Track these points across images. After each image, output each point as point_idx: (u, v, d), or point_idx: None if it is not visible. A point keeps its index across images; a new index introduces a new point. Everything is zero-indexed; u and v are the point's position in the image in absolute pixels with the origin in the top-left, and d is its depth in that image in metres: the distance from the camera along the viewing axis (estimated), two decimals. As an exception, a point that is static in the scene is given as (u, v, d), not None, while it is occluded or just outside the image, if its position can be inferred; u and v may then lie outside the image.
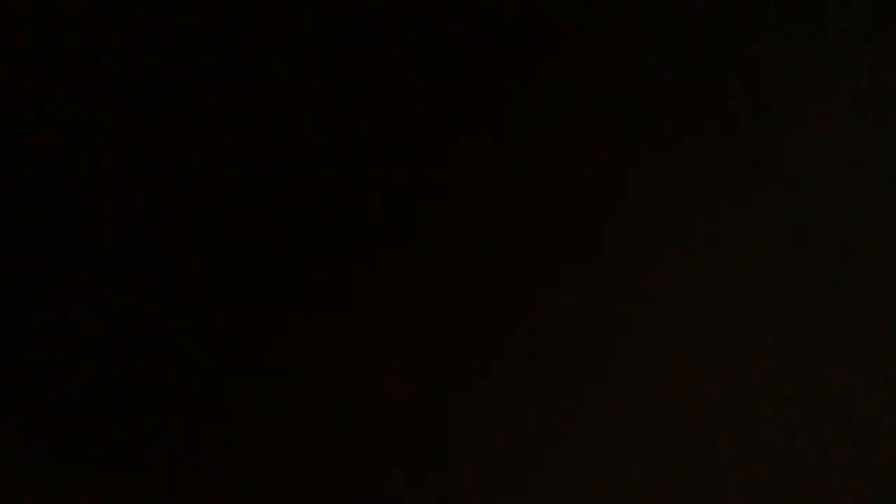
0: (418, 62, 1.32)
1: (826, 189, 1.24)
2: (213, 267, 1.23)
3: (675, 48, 1.31)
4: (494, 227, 1.24)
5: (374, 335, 1.20)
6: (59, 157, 1.28)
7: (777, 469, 1.13)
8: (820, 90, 1.29)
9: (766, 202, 1.24)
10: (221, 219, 1.26)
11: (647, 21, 1.33)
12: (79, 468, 1.15)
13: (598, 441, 1.15)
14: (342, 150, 1.29)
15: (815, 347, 1.18)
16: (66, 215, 1.26)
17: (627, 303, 1.20)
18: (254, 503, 1.14)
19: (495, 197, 1.26)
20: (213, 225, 1.25)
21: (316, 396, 1.18)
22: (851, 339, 1.18)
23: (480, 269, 1.22)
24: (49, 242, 1.25)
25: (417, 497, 1.13)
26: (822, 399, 1.16)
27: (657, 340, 1.18)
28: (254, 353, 1.20)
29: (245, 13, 1.34)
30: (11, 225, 1.25)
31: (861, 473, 1.13)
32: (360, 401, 1.17)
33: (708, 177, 1.25)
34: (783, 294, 1.20)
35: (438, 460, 1.15)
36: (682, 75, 1.30)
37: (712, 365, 1.17)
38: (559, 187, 1.26)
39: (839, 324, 1.18)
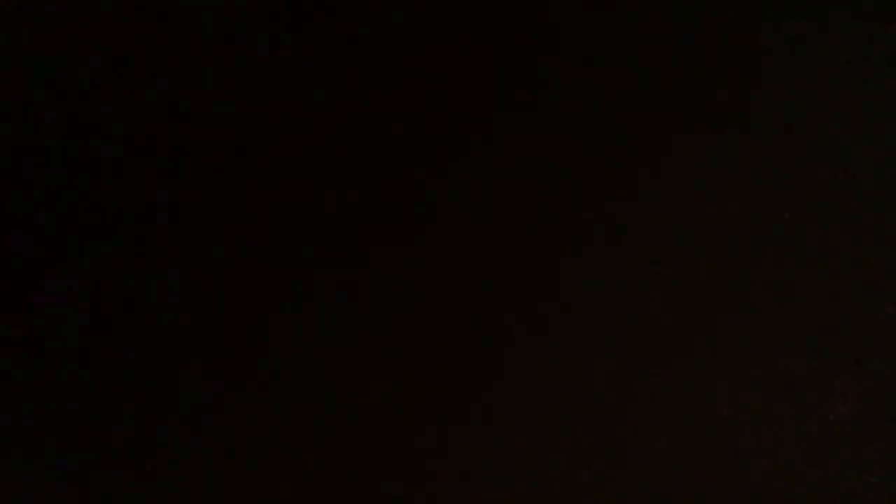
0: (419, 62, 1.32)
1: (826, 190, 1.25)
2: (214, 268, 1.23)
3: (675, 49, 1.32)
4: (496, 228, 1.24)
5: (375, 336, 1.20)
6: (59, 157, 1.28)
7: (777, 468, 1.14)
8: (820, 91, 1.29)
9: (767, 203, 1.24)
10: (223, 220, 1.26)
11: (648, 21, 1.33)
12: (79, 468, 1.15)
13: (601, 442, 1.15)
14: (344, 150, 1.29)
15: (815, 347, 1.18)
16: (66, 215, 1.26)
17: (628, 302, 1.20)
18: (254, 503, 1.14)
19: (497, 198, 1.26)
20: (215, 226, 1.25)
21: (317, 397, 1.18)
22: (851, 339, 1.18)
23: (482, 269, 1.23)
24: (49, 242, 1.25)
25: (418, 497, 1.14)
26: (822, 399, 1.16)
27: (656, 339, 1.19)
28: (255, 354, 1.20)
29: (246, 13, 1.34)
30: (11, 225, 1.25)
31: (861, 474, 1.13)
32: (361, 402, 1.17)
33: (708, 177, 1.26)
34: (783, 294, 1.20)
35: (439, 461, 1.15)
36: (683, 76, 1.30)
37: (712, 364, 1.17)
38: (561, 187, 1.26)
39: (840, 324, 1.19)
